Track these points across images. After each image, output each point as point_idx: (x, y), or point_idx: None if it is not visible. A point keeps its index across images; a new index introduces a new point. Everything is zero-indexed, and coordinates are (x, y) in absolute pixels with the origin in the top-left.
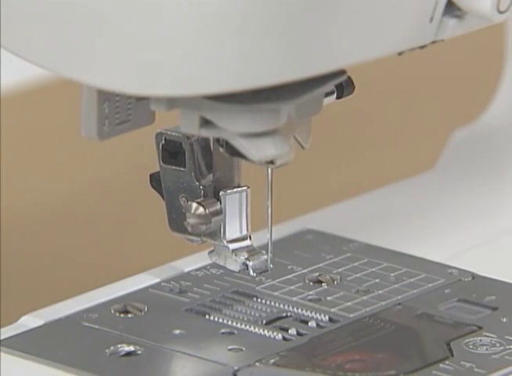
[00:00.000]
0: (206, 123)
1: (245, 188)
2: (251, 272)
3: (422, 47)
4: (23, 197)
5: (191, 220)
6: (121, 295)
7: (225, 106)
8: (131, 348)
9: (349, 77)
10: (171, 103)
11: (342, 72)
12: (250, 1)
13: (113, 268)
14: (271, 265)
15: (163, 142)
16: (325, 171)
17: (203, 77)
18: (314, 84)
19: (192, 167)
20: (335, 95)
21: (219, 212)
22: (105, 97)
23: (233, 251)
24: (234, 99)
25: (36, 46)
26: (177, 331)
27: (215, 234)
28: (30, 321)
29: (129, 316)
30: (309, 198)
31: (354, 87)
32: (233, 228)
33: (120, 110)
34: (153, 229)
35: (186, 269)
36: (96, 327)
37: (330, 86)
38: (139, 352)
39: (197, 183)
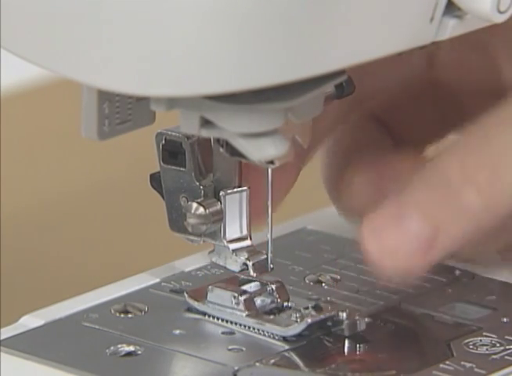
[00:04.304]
0: (206, 123)
1: (245, 188)
2: (251, 272)
3: (422, 47)
4: (23, 197)
5: (191, 220)
6: (121, 295)
7: (225, 106)
8: (131, 348)
9: (349, 77)
10: (171, 103)
11: (342, 72)
12: (250, 2)
13: (113, 268)
14: (271, 265)
15: (163, 142)
16: None
17: (203, 77)
18: (314, 84)
19: (192, 167)
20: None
21: (219, 212)
22: (105, 97)
23: (233, 251)
24: (234, 99)
25: (36, 46)
26: (177, 331)
27: (215, 234)
28: (30, 321)
29: (129, 316)
30: (309, 198)
31: (354, 87)
32: (233, 228)
33: (120, 110)
34: (153, 229)
35: (186, 269)
36: (96, 327)
37: (330, 86)
38: (139, 352)
39: (197, 183)
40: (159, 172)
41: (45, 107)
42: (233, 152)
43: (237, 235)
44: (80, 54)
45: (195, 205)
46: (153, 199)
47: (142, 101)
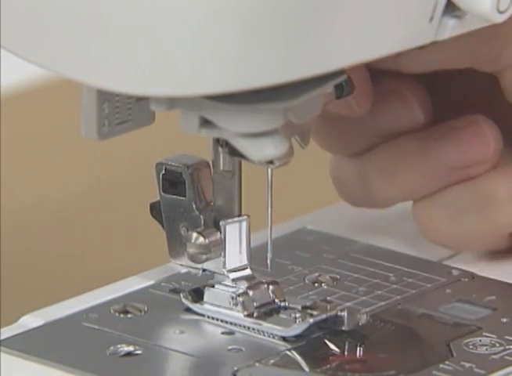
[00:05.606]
0: (206, 123)
1: (245, 217)
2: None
3: (422, 47)
4: (24, 196)
5: (191, 250)
6: (121, 295)
7: (225, 106)
8: (131, 348)
9: (349, 77)
10: (171, 103)
11: (342, 72)
12: (250, 2)
13: (113, 268)
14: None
15: (163, 172)
16: (325, 171)
17: (203, 77)
18: (314, 84)
19: (192, 196)
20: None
21: (219, 242)
22: (105, 97)
23: (233, 280)
24: (234, 99)
25: (36, 46)
26: (177, 331)
27: (215, 263)
28: (30, 321)
29: (129, 316)
30: (309, 198)
31: (353, 87)
32: (233, 257)
33: (120, 110)
34: (152, 229)
35: (186, 269)
36: (96, 327)
37: (330, 86)
38: (139, 352)
39: (197, 213)
40: (159, 201)
41: (45, 107)
42: (233, 152)
43: (237, 264)
44: (80, 54)
45: (195, 235)
46: (153, 199)
47: (142, 101)
